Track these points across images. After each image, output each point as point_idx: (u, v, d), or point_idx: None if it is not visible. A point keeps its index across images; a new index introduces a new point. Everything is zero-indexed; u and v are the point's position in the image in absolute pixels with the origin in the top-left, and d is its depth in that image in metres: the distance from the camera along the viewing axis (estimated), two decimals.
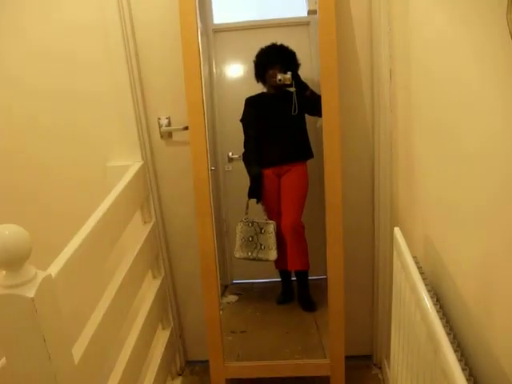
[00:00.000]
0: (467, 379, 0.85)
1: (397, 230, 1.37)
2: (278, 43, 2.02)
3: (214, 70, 2.20)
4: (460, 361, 0.91)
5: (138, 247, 1.83)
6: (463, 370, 0.84)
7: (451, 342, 0.91)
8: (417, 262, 1.22)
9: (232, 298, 2.39)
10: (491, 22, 0.79)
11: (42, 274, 1.02)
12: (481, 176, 0.91)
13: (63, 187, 2.12)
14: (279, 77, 1.97)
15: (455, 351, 0.90)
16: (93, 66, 1.95)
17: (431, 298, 1.05)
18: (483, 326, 0.94)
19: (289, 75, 1.97)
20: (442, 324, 0.96)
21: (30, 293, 0.97)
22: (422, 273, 1.16)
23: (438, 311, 1.02)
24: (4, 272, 0.98)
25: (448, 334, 0.95)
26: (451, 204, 1.11)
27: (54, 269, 1.13)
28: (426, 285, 1.08)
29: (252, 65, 2.08)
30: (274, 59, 2.03)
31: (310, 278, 2.26)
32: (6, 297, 0.97)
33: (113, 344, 1.50)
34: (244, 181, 2.16)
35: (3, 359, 1.05)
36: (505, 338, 0.85)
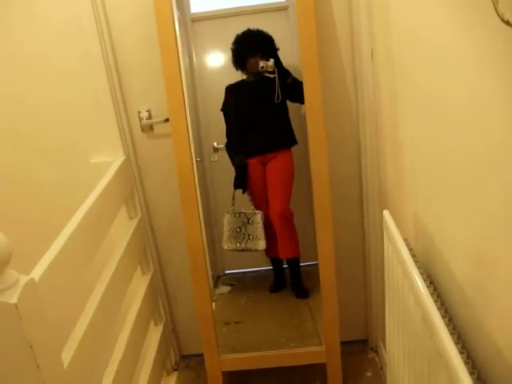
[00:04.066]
0: (465, 362, 0.83)
1: (386, 212, 1.35)
2: (254, 28, 1.98)
3: (195, 60, 2.17)
4: (457, 344, 0.89)
5: (125, 244, 1.79)
6: (461, 353, 0.82)
7: (447, 325, 0.89)
8: (408, 245, 1.20)
9: (225, 288, 2.38)
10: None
11: (24, 279, 0.99)
12: (469, 148, 0.89)
13: (45, 188, 2.07)
14: (261, 64, 1.93)
15: (451, 334, 0.88)
16: (69, 65, 1.92)
17: (424, 280, 1.03)
18: (479, 307, 0.92)
19: (271, 62, 1.93)
20: (437, 307, 0.94)
21: (13, 299, 0.94)
22: (413, 255, 1.14)
23: (431, 294, 1.00)
24: None
25: (443, 317, 0.94)
26: (438, 180, 1.09)
27: (37, 272, 1.10)
28: (418, 267, 1.07)
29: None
30: (253, 46, 1.99)
31: (301, 264, 2.25)
32: None
33: (104, 344, 1.48)
34: (231, 171, 2.14)
35: None
36: (502, 318, 0.83)
